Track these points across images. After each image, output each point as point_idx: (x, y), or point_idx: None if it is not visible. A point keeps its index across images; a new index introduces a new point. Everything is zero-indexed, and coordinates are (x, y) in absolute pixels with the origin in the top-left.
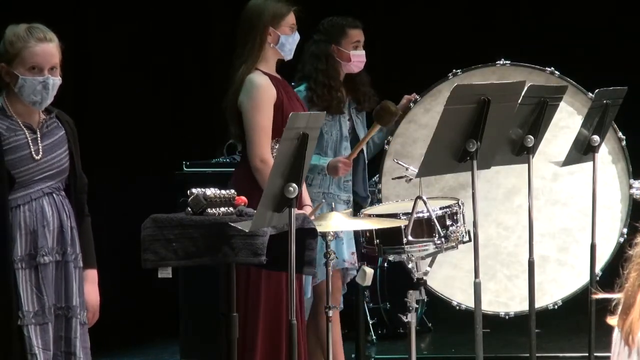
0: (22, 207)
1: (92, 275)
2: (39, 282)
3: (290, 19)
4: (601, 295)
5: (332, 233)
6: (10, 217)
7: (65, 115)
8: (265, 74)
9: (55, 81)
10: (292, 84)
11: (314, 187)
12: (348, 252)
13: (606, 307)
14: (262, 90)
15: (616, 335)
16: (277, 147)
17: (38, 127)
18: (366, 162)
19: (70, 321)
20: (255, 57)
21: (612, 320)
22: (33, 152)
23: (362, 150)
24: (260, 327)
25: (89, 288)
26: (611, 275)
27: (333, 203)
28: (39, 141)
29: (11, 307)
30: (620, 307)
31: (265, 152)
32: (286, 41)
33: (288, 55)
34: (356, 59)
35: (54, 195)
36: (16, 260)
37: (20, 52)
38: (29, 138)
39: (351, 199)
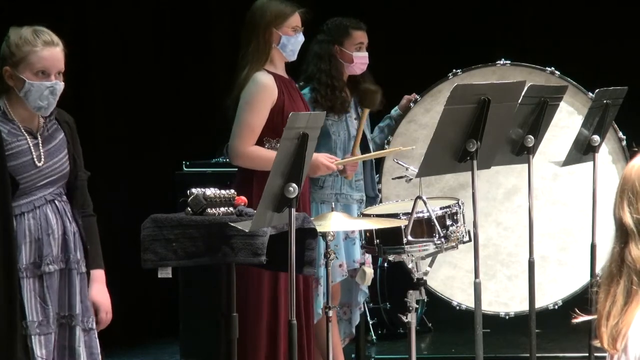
0: (27, 215)
1: (99, 275)
2: (43, 291)
3: (294, 20)
4: (581, 319)
5: (332, 233)
6: (15, 226)
7: (65, 114)
8: (271, 74)
9: (61, 86)
10: (300, 84)
11: (326, 188)
12: (359, 252)
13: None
14: (261, 89)
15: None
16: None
17: (39, 132)
18: (373, 161)
19: (73, 330)
20: (260, 58)
21: (597, 343)
22: (35, 159)
23: (368, 150)
24: (264, 327)
25: (98, 288)
26: None
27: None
28: (40, 147)
29: (16, 316)
30: (601, 320)
31: (242, 147)
32: (288, 42)
33: (291, 56)
34: (359, 61)
35: (56, 202)
36: (20, 269)
37: (28, 56)
38: (31, 144)
39: (364, 198)
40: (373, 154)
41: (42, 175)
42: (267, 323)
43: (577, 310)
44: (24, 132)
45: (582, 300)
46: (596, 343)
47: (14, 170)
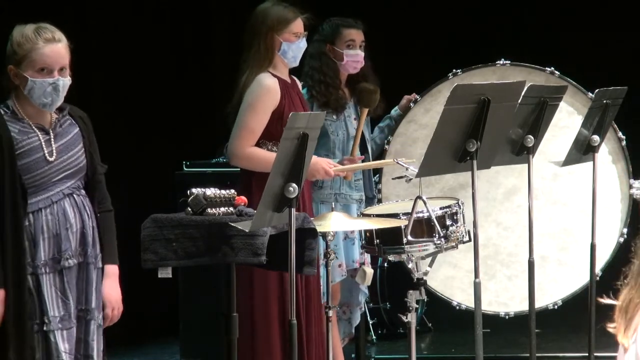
0: (44, 211)
1: (113, 270)
2: (64, 286)
3: (296, 26)
4: (607, 301)
5: (332, 233)
6: (32, 222)
7: (78, 110)
8: (275, 76)
9: (65, 82)
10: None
11: (325, 188)
12: (358, 252)
13: (606, 308)
14: (265, 91)
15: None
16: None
17: (51, 128)
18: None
19: (88, 324)
20: (261, 63)
21: (611, 328)
22: (47, 154)
23: (367, 150)
24: (276, 327)
25: (109, 283)
26: (611, 275)
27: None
28: (53, 142)
29: (25, 312)
30: (617, 313)
31: (240, 147)
32: (288, 48)
33: (292, 62)
34: (350, 59)
35: (74, 195)
36: (40, 265)
37: (29, 54)
38: (42, 140)
39: (363, 197)
40: (373, 164)
41: (56, 170)
42: (278, 323)
43: (604, 295)
44: (35, 129)
45: (582, 300)
46: (610, 328)
47: (26, 168)
